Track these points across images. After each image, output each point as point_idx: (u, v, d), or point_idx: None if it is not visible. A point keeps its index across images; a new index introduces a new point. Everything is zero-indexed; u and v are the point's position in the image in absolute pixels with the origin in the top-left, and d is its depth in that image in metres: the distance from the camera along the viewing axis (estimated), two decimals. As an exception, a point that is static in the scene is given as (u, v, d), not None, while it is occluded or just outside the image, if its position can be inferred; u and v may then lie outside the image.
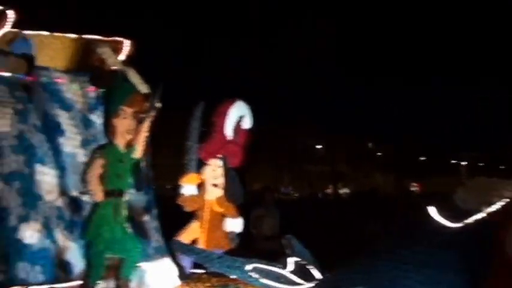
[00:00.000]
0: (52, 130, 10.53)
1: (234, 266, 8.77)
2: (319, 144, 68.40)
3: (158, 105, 8.98)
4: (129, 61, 11.11)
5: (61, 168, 10.40)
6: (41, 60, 11.43)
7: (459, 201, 5.72)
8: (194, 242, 10.17)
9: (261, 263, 8.91)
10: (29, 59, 10.93)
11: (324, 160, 65.10)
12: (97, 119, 11.29)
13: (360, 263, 6.42)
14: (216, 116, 10.46)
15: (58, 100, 10.88)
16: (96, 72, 8.89)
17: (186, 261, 10.15)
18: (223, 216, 10.51)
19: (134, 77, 9.58)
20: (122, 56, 11.41)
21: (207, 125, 10.46)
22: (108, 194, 8.39)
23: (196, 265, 10.24)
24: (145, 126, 8.75)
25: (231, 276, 9.23)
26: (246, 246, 11.45)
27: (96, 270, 8.43)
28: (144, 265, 9.13)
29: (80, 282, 9.26)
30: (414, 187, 68.98)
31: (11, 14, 10.34)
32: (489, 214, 5.27)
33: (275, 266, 9.04)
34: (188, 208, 10.26)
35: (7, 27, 10.46)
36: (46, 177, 10.04)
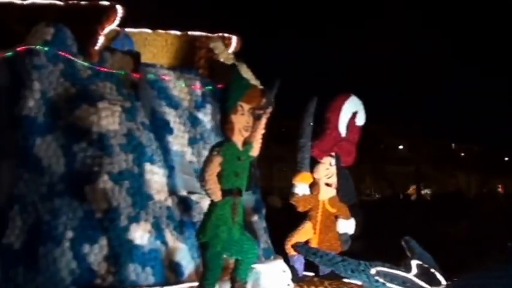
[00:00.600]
0: (160, 128, 10.35)
1: (359, 270, 8.37)
2: (401, 144, 67.15)
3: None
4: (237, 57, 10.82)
5: (169, 167, 10.20)
6: (143, 58, 11.25)
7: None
8: (306, 243, 9.74)
9: (384, 266, 8.52)
10: (135, 56, 10.74)
11: (406, 160, 63.80)
12: (204, 116, 11.10)
13: (491, 268, 6.01)
14: (330, 111, 9.99)
15: (165, 97, 10.71)
16: (215, 67, 8.51)
17: (299, 264, 9.73)
18: (335, 217, 10.05)
19: (246, 73, 9.23)
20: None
21: (319, 121, 10.00)
22: (226, 193, 7.99)
23: (307, 267, 9.86)
24: (262, 123, 8.35)
25: (355, 282, 8.87)
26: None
27: (213, 272, 8.03)
28: (258, 267, 8.72)
29: (191, 284, 8.99)
30: (498, 188, 67.28)
31: (120, 10, 10.11)
32: None
33: (399, 270, 8.64)
34: (301, 208, 9.82)
35: (115, 23, 10.25)
36: (155, 176, 9.84)
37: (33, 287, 8.65)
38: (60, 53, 9.78)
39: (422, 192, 64.41)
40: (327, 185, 9.99)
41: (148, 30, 12.31)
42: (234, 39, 11.50)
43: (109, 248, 9.00)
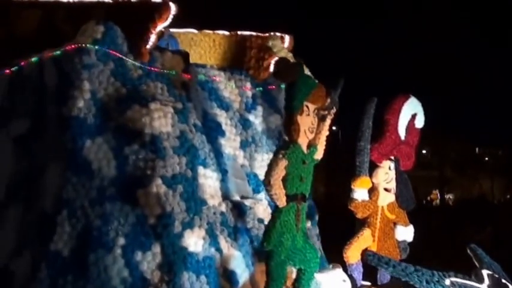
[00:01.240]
0: (213, 131, 10.01)
1: (434, 281, 7.93)
2: (424, 149, 66.70)
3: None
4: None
5: (222, 171, 9.84)
6: (190, 59, 10.89)
7: None
8: (364, 251, 9.35)
9: (457, 277, 8.13)
10: (184, 56, 10.41)
11: (429, 165, 63.29)
12: (255, 119, 10.76)
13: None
14: (389, 113, 9.59)
15: (216, 99, 10.39)
16: (281, 66, 8.11)
17: (357, 273, 9.34)
18: (394, 223, 9.66)
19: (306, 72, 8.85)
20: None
21: (377, 123, 9.61)
22: (290, 198, 7.58)
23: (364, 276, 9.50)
24: (327, 124, 7.96)
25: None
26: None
27: (276, 283, 7.65)
28: (318, 276, 8.32)
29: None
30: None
31: (173, 8, 9.76)
32: None
33: (472, 280, 8.25)
34: (360, 215, 9.42)
35: (168, 21, 9.91)
36: (209, 180, 9.49)
37: (82, 296, 8.31)
38: (110, 51, 9.48)
39: (446, 197, 63.97)
40: (386, 190, 9.62)
41: (194, 31, 11.98)
42: (287, 39, 11.17)
43: (162, 255, 8.63)
